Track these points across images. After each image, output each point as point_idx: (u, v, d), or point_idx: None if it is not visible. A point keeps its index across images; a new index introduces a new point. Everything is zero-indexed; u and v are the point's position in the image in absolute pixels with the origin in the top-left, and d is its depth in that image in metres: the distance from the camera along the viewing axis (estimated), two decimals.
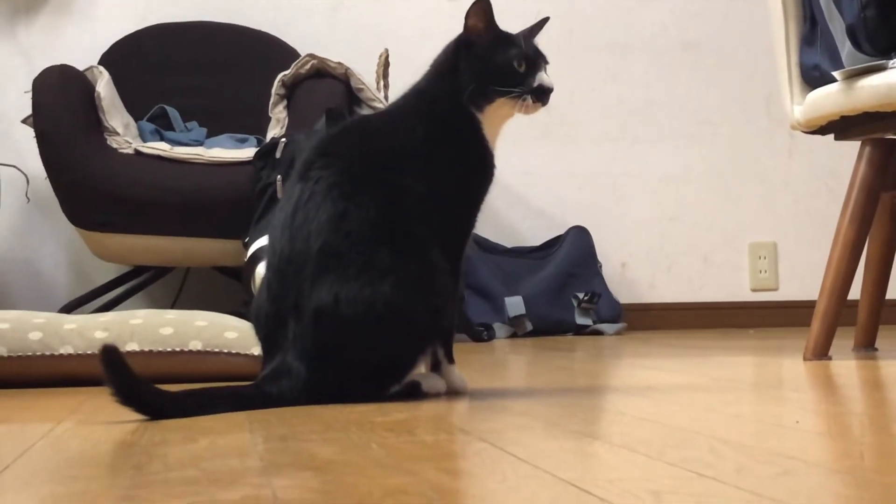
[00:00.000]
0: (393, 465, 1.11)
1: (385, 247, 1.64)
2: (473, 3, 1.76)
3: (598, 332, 3.92)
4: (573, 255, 4.08)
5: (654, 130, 4.34)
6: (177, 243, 3.51)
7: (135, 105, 3.74)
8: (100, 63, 3.77)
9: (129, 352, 2.09)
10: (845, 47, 2.30)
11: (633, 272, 4.31)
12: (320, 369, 1.64)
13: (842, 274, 2.42)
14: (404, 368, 1.70)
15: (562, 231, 4.16)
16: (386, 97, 3.63)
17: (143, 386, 1.52)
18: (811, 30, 2.47)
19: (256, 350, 1.85)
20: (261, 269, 2.40)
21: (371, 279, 1.62)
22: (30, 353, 2.11)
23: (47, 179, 3.51)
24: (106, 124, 3.50)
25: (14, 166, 3.80)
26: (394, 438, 1.29)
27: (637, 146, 4.33)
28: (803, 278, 4.27)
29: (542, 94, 1.77)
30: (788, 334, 3.56)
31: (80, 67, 3.62)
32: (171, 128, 3.76)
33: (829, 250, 2.44)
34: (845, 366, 2.30)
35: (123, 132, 3.54)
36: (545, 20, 1.86)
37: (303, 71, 3.67)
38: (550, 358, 2.87)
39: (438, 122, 1.76)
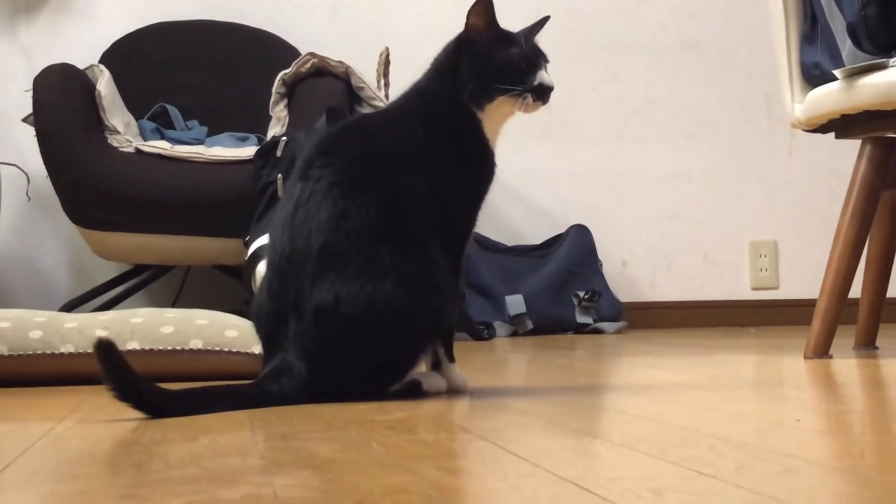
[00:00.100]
0: (393, 464, 1.11)
1: (385, 246, 1.64)
2: (476, 2, 1.75)
3: (599, 331, 3.92)
4: (574, 254, 4.08)
5: (654, 129, 4.34)
6: (177, 242, 3.50)
7: (135, 104, 3.74)
8: (100, 62, 3.76)
9: (129, 350, 2.10)
10: (846, 46, 2.30)
11: (633, 271, 4.31)
12: (321, 368, 1.64)
13: (842, 273, 2.42)
14: (405, 367, 1.70)
15: (562, 230, 4.16)
16: (386, 96, 3.63)
17: (142, 382, 1.52)
18: (812, 28, 2.47)
19: (257, 349, 1.85)
20: (261, 268, 2.40)
21: (372, 278, 1.62)
22: (30, 352, 2.11)
23: (48, 178, 3.51)
24: (106, 123, 3.50)
25: (15, 165, 3.80)
26: (394, 437, 1.30)
27: (637, 145, 4.33)
28: (804, 277, 4.27)
29: (542, 93, 1.77)
30: (789, 333, 3.56)
31: (81, 66, 3.62)
32: (171, 126, 3.76)
33: (829, 249, 2.44)
34: (846, 364, 2.30)
35: (124, 131, 3.54)
36: (546, 19, 1.86)
37: (303, 69, 3.67)
38: (551, 356, 2.87)
39: (439, 121, 1.76)
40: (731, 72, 4.37)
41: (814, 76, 2.46)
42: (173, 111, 3.79)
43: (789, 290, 4.35)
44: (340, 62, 3.64)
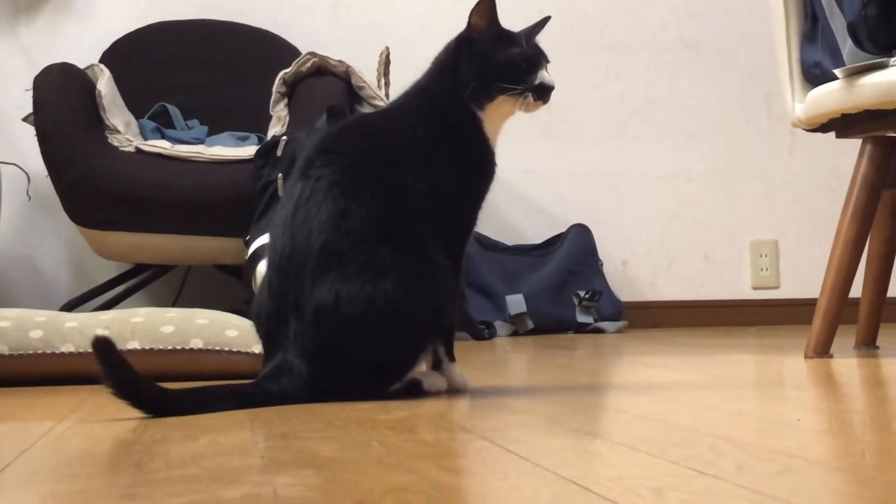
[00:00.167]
0: (394, 463, 1.11)
1: (386, 245, 1.64)
2: (479, 2, 1.75)
3: (600, 330, 3.92)
4: (574, 254, 4.08)
5: (654, 129, 4.34)
6: (178, 241, 3.50)
7: (136, 103, 3.74)
8: (101, 61, 3.76)
9: (130, 350, 2.10)
10: (846, 45, 2.30)
11: (634, 270, 4.31)
12: (321, 367, 1.64)
13: (843, 272, 2.42)
14: (405, 366, 1.70)
15: (563, 229, 4.16)
16: (387, 95, 3.63)
17: (141, 380, 1.52)
18: (812, 27, 2.47)
19: (257, 348, 1.85)
20: (262, 268, 2.40)
21: (372, 277, 1.62)
22: (31, 352, 2.11)
23: (48, 177, 3.51)
24: (107, 122, 3.50)
25: (15, 164, 3.80)
26: (395, 436, 1.29)
27: (638, 144, 4.33)
28: (804, 276, 4.26)
29: (543, 93, 1.77)
30: (789, 332, 3.56)
31: (81, 65, 3.61)
32: (172, 126, 3.76)
33: (830, 248, 2.44)
34: (846, 364, 2.30)
35: (124, 130, 3.54)
36: (546, 19, 1.86)
37: (304, 69, 3.67)
38: (551, 356, 2.87)
39: (439, 120, 1.76)
40: (731, 71, 4.37)
41: (814, 75, 2.46)
42: (174, 110, 3.79)
43: (790, 289, 4.35)
44: (341, 61, 3.64)
